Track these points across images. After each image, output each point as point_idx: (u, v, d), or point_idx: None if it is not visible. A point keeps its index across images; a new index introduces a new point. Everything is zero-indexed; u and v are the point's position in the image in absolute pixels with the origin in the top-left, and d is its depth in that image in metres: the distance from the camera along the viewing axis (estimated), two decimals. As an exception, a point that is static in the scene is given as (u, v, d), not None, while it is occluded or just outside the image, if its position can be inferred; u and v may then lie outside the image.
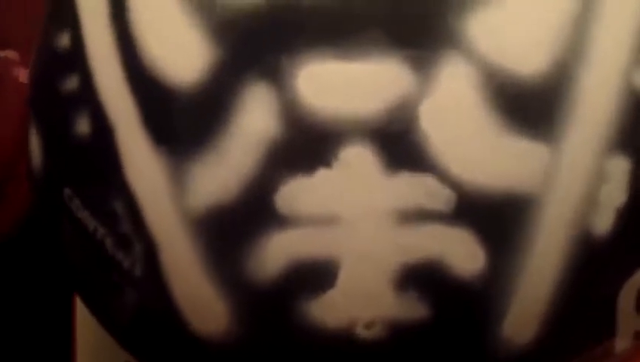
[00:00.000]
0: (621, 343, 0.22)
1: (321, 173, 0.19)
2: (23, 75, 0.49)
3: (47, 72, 0.24)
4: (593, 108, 0.19)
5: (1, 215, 0.40)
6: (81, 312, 0.35)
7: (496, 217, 0.19)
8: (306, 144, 0.19)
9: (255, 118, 0.20)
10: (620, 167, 0.20)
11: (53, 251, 0.26)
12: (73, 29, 0.23)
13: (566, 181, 0.19)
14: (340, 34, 0.19)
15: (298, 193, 0.19)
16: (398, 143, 0.19)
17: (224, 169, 0.20)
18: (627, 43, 0.19)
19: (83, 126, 0.23)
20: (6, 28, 0.49)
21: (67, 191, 0.24)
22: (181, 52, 0.21)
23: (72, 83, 0.23)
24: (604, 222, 0.20)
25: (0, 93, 0.47)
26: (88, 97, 0.22)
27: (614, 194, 0.20)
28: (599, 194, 0.20)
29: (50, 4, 0.26)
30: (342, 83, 0.19)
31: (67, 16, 0.24)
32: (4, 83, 0.47)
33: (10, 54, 0.48)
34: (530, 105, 0.19)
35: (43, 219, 0.26)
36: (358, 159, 0.19)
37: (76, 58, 0.23)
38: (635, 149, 0.20)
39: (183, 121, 0.20)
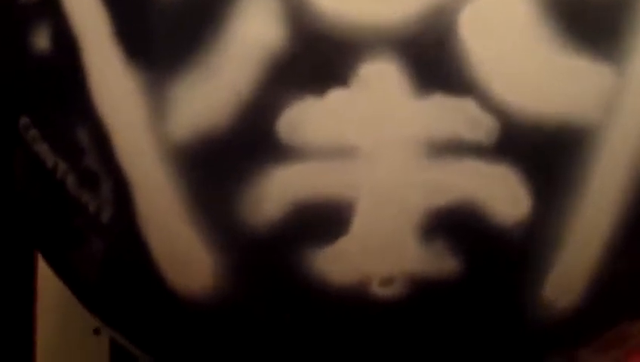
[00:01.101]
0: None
1: (335, 94, 0.16)
2: None
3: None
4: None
5: None
6: (43, 272, 0.32)
7: (546, 152, 0.16)
8: (317, 57, 0.16)
9: (253, 25, 0.16)
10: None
11: (4, 194, 0.23)
12: None
13: (630, 110, 0.16)
14: None
15: (306, 118, 0.16)
16: (432, 58, 0.15)
17: (214, 88, 0.16)
18: None
19: (42, 40, 0.19)
20: None
21: (23, 119, 0.20)
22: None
23: (29, -12, 0.19)
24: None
25: None
26: (49, 5, 0.19)
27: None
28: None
29: None
30: (363, -18, 0.16)
31: None
32: None
33: None
34: (593, 15, 0.15)
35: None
36: (382, 76, 0.15)
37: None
38: None
39: (164, 29, 0.17)
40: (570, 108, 0.16)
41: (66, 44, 0.18)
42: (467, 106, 0.15)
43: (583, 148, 0.16)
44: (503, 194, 0.16)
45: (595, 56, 0.16)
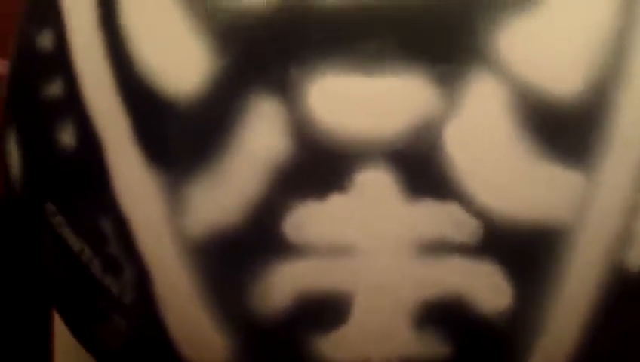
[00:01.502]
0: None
1: (335, 199, 0.17)
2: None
3: (27, 73, 0.22)
4: (632, 134, 0.18)
5: None
6: (60, 326, 0.33)
7: (525, 250, 0.18)
8: (319, 166, 0.17)
9: (262, 136, 0.18)
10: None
11: (28, 259, 0.24)
12: (56, 28, 0.21)
13: (601, 213, 0.18)
14: (356, 43, 0.17)
15: (309, 220, 0.18)
16: (421, 167, 0.17)
17: (226, 191, 0.18)
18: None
19: (67, 136, 0.21)
20: None
21: (50, 206, 0.22)
22: (179, 60, 0.19)
23: (55, 88, 0.21)
24: (637, 257, 0.18)
25: None
26: (73, 106, 0.20)
27: (652, 225, 0.18)
28: (635, 227, 0.18)
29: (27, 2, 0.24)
30: (359, 100, 0.17)
31: (49, 14, 0.22)
32: None
33: None
34: (564, 128, 0.17)
35: (18, 229, 0.24)
36: (375, 184, 0.17)
37: (60, 61, 0.21)
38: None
39: (181, 137, 0.18)
40: (545, 212, 0.17)
41: (90, 142, 0.20)
42: (453, 210, 0.17)
43: (558, 246, 0.18)
44: (486, 287, 0.18)
45: (568, 165, 0.17)
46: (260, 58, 0.18)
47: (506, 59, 0.17)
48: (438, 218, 0.17)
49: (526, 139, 0.17)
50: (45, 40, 0.22)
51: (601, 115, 0.17)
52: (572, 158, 0.17)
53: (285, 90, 0.18)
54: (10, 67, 0.24)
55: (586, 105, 0.17)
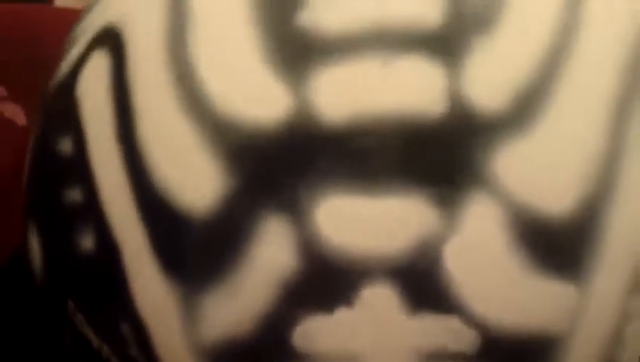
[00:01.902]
0: None
1: (342, 313, 0.19)
2: (9, 110, 0.49)
3: (48, 178, 0.23)
4: (621, 247, 0.19)
5: None
6: None
7: (520, 357, 0.19)
8: (326, 282, 0.19)
9: (271, 253, 0.19)
10: (646, 303, 0.19)
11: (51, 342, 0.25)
12: (75, 136, 0.22)
13: (593, 322, 0.19)
14: (360, 165, 0.18)
15: (317, 332, 0.19)
16: (422, 283, 0.18)
17: (238, 303, 0.19)
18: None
19: (87, 241, 0.22)
20: None
21: (71, 304, 0.23)
22: (194, 177, 0.20)
23: (75, 195, 0.22)
24: (629, 359, 0.19)
25: None
26: (93, 213, 0.21)
27: (641, 331, 0.19)
28: (625, 333, 0.19)
29: (47, 98, 0.25)
30: (363, 220, 0.18)
31: (69, 121, 0.23)
32: None
33: (0, 90, 0.48)
34: (557, 244, 0.18)
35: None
36: (380, 299, 0.18)
37: (79, 169, 0.22)
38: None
39: (195, 250, 0.20)
40: (540, 322, 0.18)
41: (108, 249, 0.21)
42: (453, 323, 0.18)
43: (553, 353, 0.19)
44: (485, 393, 0.19)
45: (562, 277, 0.18)
46: (269, 179, 0.19)
47: (502, 181, 0.18)
48: (438, 330, 0.18)
49: (521, 255, 0.18)
50: (65, 146, 0.23)
51: (592, 231, 0.18)
52: (565, 272, 0.18)
53: (294, 209, 0.19)
54: (28, 167, 0.25)
55: (578, 223, 0.18)
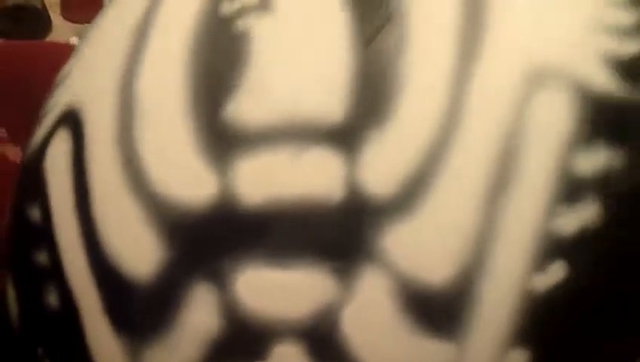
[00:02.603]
0: None
1: None
2: (10, 152, 0.52)
3: (22, 240, 0.27)
4: (494, 311, 0.22)
5: None
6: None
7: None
8: (244, 341, 0.22)
9: (199, 316, 0.22)
10: (520, 358, 0.22)
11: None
12: (42, 205, 0.26)
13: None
14: (273, 244, 0.22)
15: (239, 382, 0.22)
16: (324, 343, 0.22)
17: (174, 357, 0.23)
18: (525, 255, 0.22)
19: (52, 299, 0.25)
20: None
21: (40, 350, 0.26)
22: (137, 248, 0.23)
23: (42, 257, 0.26)
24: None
25: None
26: (56, 276, 0.25)
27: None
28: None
29: (22, 166, 0.29)
30: (274, 288, 0.22)
31: (37, 191, 0.26)
32: None
33: (0, 133, 0.51)
34: (438, 309, 0.22)
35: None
36: (288, 355, 0.22)
37: (45, 235, 0.26)
38: (535, 340, 0.22)
39: (140, 312, 0.23)
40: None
41: (69, 308, 0.24)
42: None
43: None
44: None
45: (442, 337, 0.22)
46: (198, 252, 0.22)
47: (391, 256, 0.22)
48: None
49: (408, 318, 0.22)
50: (35, 213, 0.26)
51: (468, 296, 0.22)
52: (445, 332, 0.22)
53: (218, 279, 0.22)
54: (8, 226, 0.29)
55: (455, 290, 0.22)
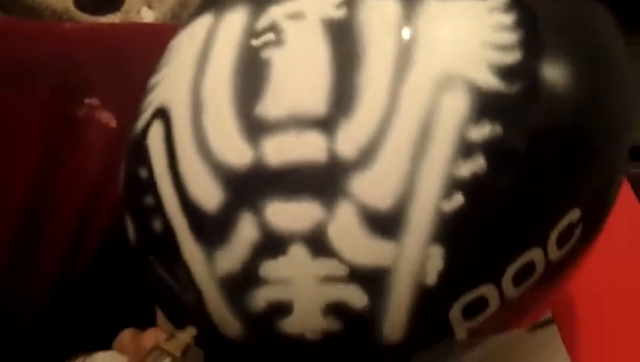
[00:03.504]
0: (460, 336, 0.40)
1: (281, 258, 0.37)
2: (104, 117, 0.64)
3: (134, 189, 0.43)
4: (419, 222, 0.36)
5: (77, 264, 0.54)
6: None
7: (370, 279, 0.37)
8: (272, 244, 0.37)
9: (245, 231, 0.38)
10: (437, 251, 0.37)
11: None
12: (148, 168, 0.42)
13: (407, 260, 0.36)
14: (287, 189, 0.37)
15: (270, 268, 0.37)
16: (319, 245, 0.37)
17: (232, 256, 0.38)
18: (438, 189, 0.36)
19: (157, 225, 0.41)
20: (89, 77, 0.62)
21: (151, 257, 0.42)
22: (206, 192, 0.39)
23: (149, 200, 0.41)
24: (431, 278, 0.37)
25: (87, 132, 0.63)
26: (160, 210, 0.41)
27: (436, 265, 0.37)
28: (427, 265, 0.37)
29: (131, 141, 0.44)
30: (288, 214, 0.37)
31: (143, 158, 0.42)
32: (90, 124, 0.62)
33: (94, 101, 0.61)
34: (386, 223, 0.36)
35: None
36: (299, 252, 0.37)
37: (151, 186, 0.41)
38: (446, 241, 0.37)
39: (211, 229, 0.39)
40: (377, 260, 0.36)
41: (168, 230, 0.40)
42: (334, 264, 0.36)
43: (387, 278, 0.37)
44: (355, 296, 0.37)
45: (388, 239, 0.36)
46: (243, 194, 0.38)
47: (356, 194, 0.36)
48: (331, 269, 0.37)
49: (366, 229, 0.36)
50: (143, 172, 0.42)
51: (403, 215, 0.36)
52: (389, 236, 0.36)
53: (255, 209, 0.37)
54: (123, 181, 0.44)
55: (395, 211, 0.36)
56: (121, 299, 0.54)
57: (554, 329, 0.61)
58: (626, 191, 0.69)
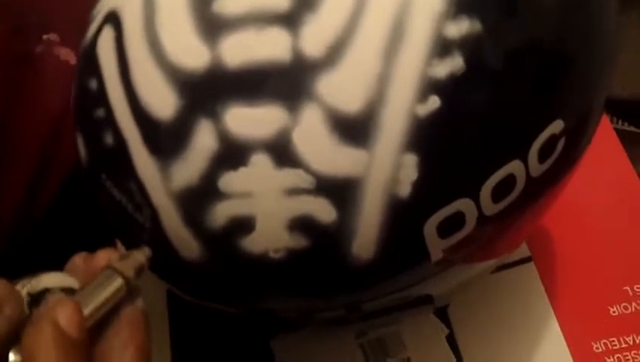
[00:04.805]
0: (435, 257, 0.37)
1: (242, 169, 0.34)
2: (63, 53, 0.62)
3: (84, 102, 0.39)
4: (391, 129, 0.33)
5: (38, 201, 0.53)
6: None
7: (340, 190, 0.34)
8: (232, 154, 0.34)
9: (203, 140, 0.35)
10: (411, 159, 0.34)
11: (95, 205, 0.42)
12: (97, 77, 0.38)
13: (379, 170, 0.34)
14: (248, 91, 0.34)
15: (230, 180, 0.34)
16: (282, 153, 0.34)
17: (189, 168, 0.35)
18: (412, 92, 0.33)
19: (109, 139, 0.38)
20: (47, 13, 0.61)
21: (103, 176, 0.39)
22: (161, 98, 0.35)
23: (100, 113, 0.38)
24: (404, 189, 0.34)
25: (45, 68, 0.60)
26: (111, 122, 0.37)
27: (409, 175, 0.34)
28: (400, 175, 0.34)
29: (81, 52, 0.40)
30: (249, 119, 0.34)
31: (93, 67, 0.39)
32: (49, 61, 0.60)
33: (52, 37, 0.60)
34: (355, 129, 0.33)
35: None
36: (261, 161, 0.34)
37: (101, 97, 0.38)
38: (420, 148, 0.34)
39: (166, 140, 0.35)
40: (349, 171, 0.34)
41: (120, 142, 0.37)
42: (300, 173, 0.34)
43: (358, 189, 0.34)
44: (323, 210, 0.34)
45: (357, 147, 0.33)
46: (200, 99, 0.35)
47: (322, 96, 0.33)
48: (294, 178, 0.34)
49: (334, 136, 0.33)
50: (92, 83, 0.38)
51: (374, 120, 0.33)
52: (359, 143, 0.33)
53: (214, 115, 0.34)
54: (73, 96, 0.41)
55: (365, 116, 0.33)
56: (84, 236, 0.52)
57: (532, 266, 0.59)
58: (605, 127, 0.68)
